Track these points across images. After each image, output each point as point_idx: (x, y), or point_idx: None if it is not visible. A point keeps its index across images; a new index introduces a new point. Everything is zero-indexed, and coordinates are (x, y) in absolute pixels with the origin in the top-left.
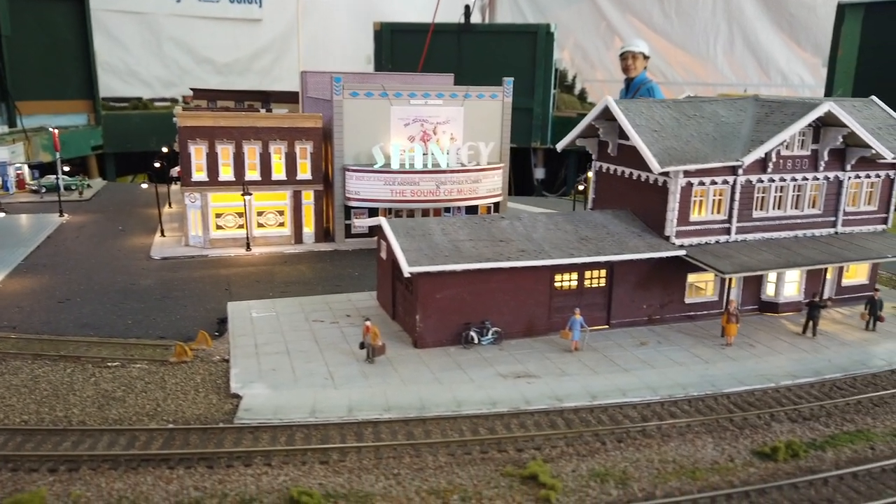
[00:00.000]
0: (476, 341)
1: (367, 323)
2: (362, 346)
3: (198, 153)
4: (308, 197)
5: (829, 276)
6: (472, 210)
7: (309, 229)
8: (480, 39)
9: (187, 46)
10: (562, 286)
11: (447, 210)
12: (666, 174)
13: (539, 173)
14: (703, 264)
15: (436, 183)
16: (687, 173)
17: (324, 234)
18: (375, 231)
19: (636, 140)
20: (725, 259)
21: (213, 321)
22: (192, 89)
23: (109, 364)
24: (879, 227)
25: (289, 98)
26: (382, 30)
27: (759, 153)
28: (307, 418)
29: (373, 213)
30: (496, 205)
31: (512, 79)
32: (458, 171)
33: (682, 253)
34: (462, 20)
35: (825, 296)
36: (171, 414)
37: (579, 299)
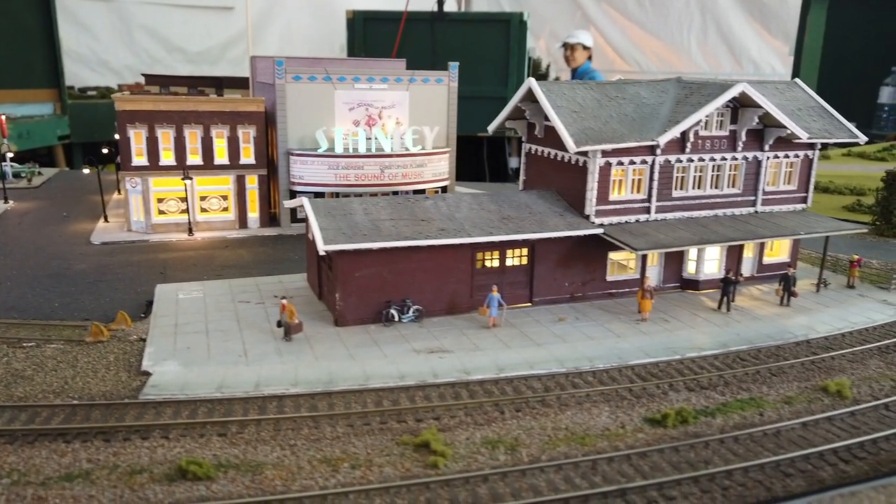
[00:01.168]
0: (397, 319)
1: (284, 301)
2: (279, 324)
3: (137, 137)
4: (252, 181)
5: (749, 254)
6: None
7: (254, 214)
8: (454, 28)
9: (158, 35)
10: (484, 265)
11: (395, 194)
12: (584, 154)
13: (514, 162)
14: (619, 242)
15: (380, 167)
16: (605, 153)
17: (269, 218)
18: None
19: (555, 120)
20: (641, 237)
21: (142, 304)
22: (143, 75)
23: (25, 344)
24: (799, 206)
25: (242, 84)
26: (355, 18)
27: (674, 133)
28: (213, 393)
29: (318, 196)
30: (444, 189)
31: (457, 63)
32: (402, 156)
33: (599, 231)
34: (435, 8)
35: (747, 273)
36: (77, 391)
37: (501, 277)
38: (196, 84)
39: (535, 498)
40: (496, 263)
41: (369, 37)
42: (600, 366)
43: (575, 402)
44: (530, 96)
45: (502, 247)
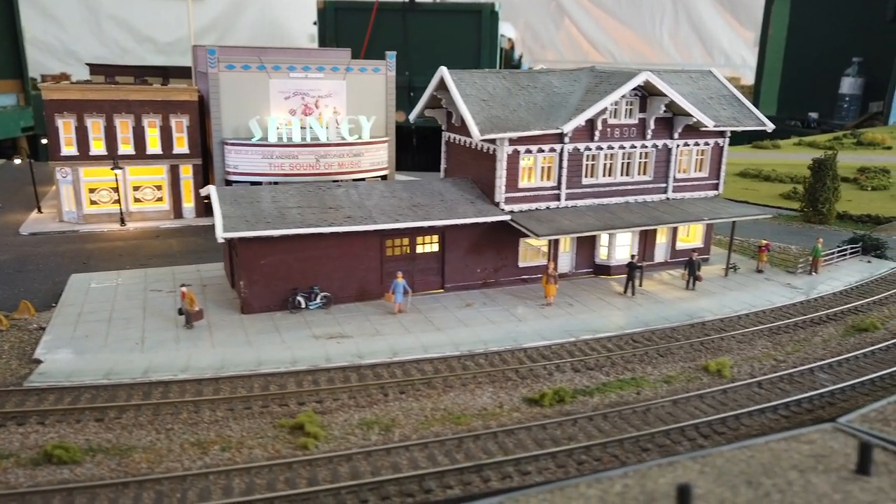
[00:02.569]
0: (304, 306)
1: (184, 289)
2: (181, 311)
3: (66, 127)
4: (187, 171)
5: (662, 239)
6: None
7: (189, 204)
8: (425, 18)
9: (128, 24)
10: (393, 251)
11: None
12: (492, 142)
13: None
14: (524, 228)
15: (315, 156)
16: (512, 141)
17: (205, 208)
18: None
19: (462, 108)
20: (547, 223)
21: (57, 293)
22: (88, 65)
23: None
24: (711, 193)
25: (189, 74)
26: (326, 8)
27: (579, 121)
28: (99, 380)
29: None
30: (383, 178)
31: (395, 53)
32: (337, 145)
33: (507, 218)
34: None
35: (661, 259)
36: None
37: (412, 264)
38: (142, 74)
39: (394, 475)
40: (406, 250)
41: (340, 27)
42: (494, 349)
43: (460, 383)
44: (444, 85)
45: (412, 234)
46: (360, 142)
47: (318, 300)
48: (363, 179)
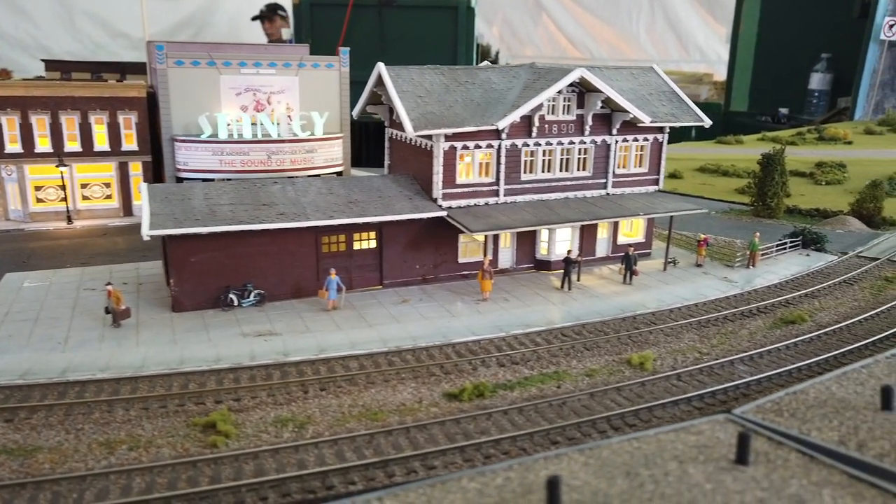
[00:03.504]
0: (237, 304)
1: (109, 287)
2: (107, 310)
3: (10, 124)
4: (136, 168)
5: (604, 234)
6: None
7: (139, 201)
8: (402, 15)
9: (101, 20)
10: (330, 248)
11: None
12: (429, 138)
13: None
14: (458, 224)
15: (266, 153)
16: (448, 137)
17: None
18: None
19: (397, 104)
20: (483, 219)
21: None
22: (43, 60)
23: None
24: (651, 188)
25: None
26: (302, 4)
27: (513, 117)
28: (14, 380)
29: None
30: (339, 174)
31: (348, 49)
32: (289, 141)
33: (443, 214)
34: None
35: (602, 254)
36: None
37: (350, 261)
38: (99, 70)
39: (298, 471)
40: (343, 247)
41: (316, 23)
42: (423, 344)
43: (383, 379)
44: (382, 81)
45: (348, 230)
46: (312, 138)
47: (251, 298)
48: (318, 176)
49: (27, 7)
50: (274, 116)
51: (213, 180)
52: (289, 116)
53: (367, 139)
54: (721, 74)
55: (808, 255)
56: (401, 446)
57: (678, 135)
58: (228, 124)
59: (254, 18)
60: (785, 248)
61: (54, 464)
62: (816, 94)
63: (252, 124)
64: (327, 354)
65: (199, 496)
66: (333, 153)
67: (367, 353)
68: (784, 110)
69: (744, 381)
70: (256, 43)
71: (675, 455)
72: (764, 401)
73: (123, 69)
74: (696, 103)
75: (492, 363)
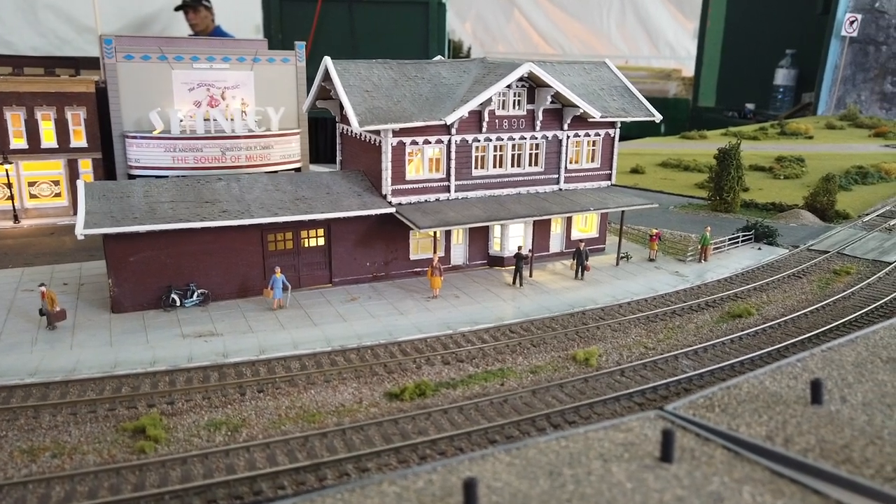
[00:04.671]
0: (179, 304)
1: (42, 288)
2: (42, 312)
3: None
4: (86, 165)
5: (557, 230)
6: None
7: None
8: (372, 10)
9: (66, 14)
10: (276, 246)
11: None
12: (377, 133)
13: None
14: (407, 220)
15: (220, 149)
16: (396, 133)
17: None
18: None
19: (343, 99)
20: (431, 215)
21: None
22: None
23: None
24: (604, 184)
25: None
26: None
27: (462, 112)
28: None
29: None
30: (297, 170)
31: (304, 43)
32: (244, 137)
33: (392, 210)
34: None
35: (556, 249)
36: None
37: (298, 258)
38: (54, 65)
39: (228, 476)
40: (290, 244)
41: (286, 18)
42: (368, 343)
43: (323, 379)
44: (330, 76)
45: (295, 228)
46: (268, 133)
47: (194, 297)
48: (276, 172)
49: None
50: (228, 112)
51: (166, 177)
52: (243, 112)
53: (325, 135)
54: (690, 70)
55: (759, 248)
56: (335, 448)
57: (645, 130)
58: (181, 120)
59: (177, 9)
60: (737, 242)
61: None
62: (781, 89)
63: (205, 120)
64: (268, 355)
65: None
66: (290, 149)
67: (309, 353)
68: (750, 105)
69: (685, 375)
70: (169, 36)
71: (600, 454)
72: (697, 396)
73: (78, 64)
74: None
75: (436, 361)
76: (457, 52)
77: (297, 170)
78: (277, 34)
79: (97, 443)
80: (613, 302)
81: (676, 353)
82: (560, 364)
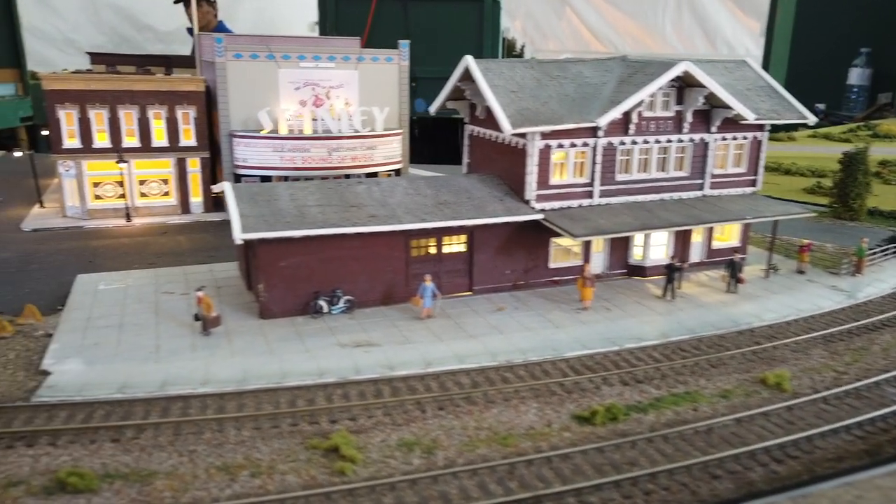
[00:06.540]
0: (326, 311)
1: (199, 293)
2: (197, 317)
3: (68, 119)
4: (194, 164)
5: (698, 238)
6: (372, 177)
7: (197, 198)
8: (427, 8)
9: (126, 13)
10: (419, 252)
11: (347, 178)
12: (522, 136)
13: None
14: (559, 228)
15: (327, 150)
16: (544, 135)
17: (214, 203)
18: None
19: (491, 100)
20: (582, 222)
21: (63, 295)
22: (88, 53)
23: None
24: (749, 190)
25: (193, 63)
26: None
27: (614, 113)
28: (113, 394)
29: (266, 180)
30: (397, 172)
31: (408, 42)
32: (350, 138)
33: (539, 217)
34: None
35: (696, 259)
36: None
37: (439, 266)
38: (145, 63)
39: None
40: (433, 251)
41: (341, 16)
42: (534, 359)
43: (502, 398)
44: (469, 75)
45: (438, 234)
46: (373, 134)
47: (341, 304)
48: (376, 174)
49: (53, 0)
50: (334, 111)
51: (270, 179)
52: (348, 112)
53: (412, 136)
54: None
55: None
56: (546, 478)
57: None
58: (289, 119)
59: (176, 1)
60: (887, 254)
61: (175, 492)
62: (855, 89)
63: (312, 120)
64: (435, 369)
65: None
66: (392, 150)
67: (477, 367)
68: (821, 106)
69: None
70: (275, 35)
71: None
72: None
73: (170, 62)
74: None
75: (614, 381)
76: (510, 50)
77: (398, 171)
78: (332, 32)
79: (291, 461)
80: (780, 319)
81: (875, 379)
82: (750, 388)
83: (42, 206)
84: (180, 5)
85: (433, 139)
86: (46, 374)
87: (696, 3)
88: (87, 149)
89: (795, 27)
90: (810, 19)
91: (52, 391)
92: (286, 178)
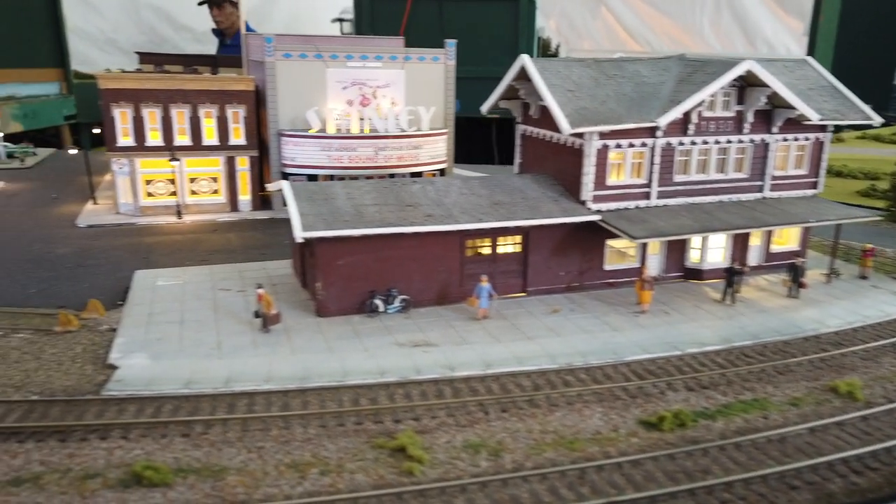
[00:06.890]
0: (382, 310)
1: (260, 291)
2: (257, 314)
3: (122, 117)
4: (243, 163)
5: (756, 241)
6: (416, 177)
7: (245, 197)
8: (462, 7)
9: (165, 13)
10: (474, 252)
11: (391, 177)
12: (580, 136)
13: None
14: (617, 229)
15: (374, 149)
16: (602, 135)
17: (261, 201)
18: None
19: (548, 100)
20: (640, 224)
21: (122, 290)
22: (137, 53)
23: None
24: (809, 192)
25: (238, 63)
26: None
27: (675, 113)
28: (180, 389)
29: (312, 179)
30: (441, 171)
31: (455, 41)
32: (397, 137)
33: (596, 218)
34: None
35: (754, 263)
36: (38, 385)
37: (493, 266)
38: (191, 63)
39: None
40: (487, 251)
41: (377, 15)
42: (594, 362)
43: (565, 401)
44: (524, 75)
45: (493, 234)
46: (419, 134)
47: (396, 303)
48: (421, 173)
49: (95, 1)
50: (381, 111)
51: (316, 178)
52: (394, 111)
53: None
54: None
55: None
56: (618, 484)
57: None
58: (336, 119)
59: (200, 3)
60: None
61: (247, 488)
62: None
63: (360, 119)
64: (495, 370)
65: None
66: (438, 149)
67: (537, 370)
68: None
69: None
70: (322, 35)
71: None
72: None
73: (216, 62)
74: None
75: (679, 387)
76: (545, 50)
77: (443, 171)
78: (368, 32)
79: (359, 460)
80: (845, 325)
81: None
82: (820, 397)
83: (95, 203)
84: (205, 6)
85: (468, 139)
86: (114, 367)
87: (736, 1)
88: (141, 147)
89: (840, 27)
90: (856, 18)
91: (121, 385)
92: (331, 177)
